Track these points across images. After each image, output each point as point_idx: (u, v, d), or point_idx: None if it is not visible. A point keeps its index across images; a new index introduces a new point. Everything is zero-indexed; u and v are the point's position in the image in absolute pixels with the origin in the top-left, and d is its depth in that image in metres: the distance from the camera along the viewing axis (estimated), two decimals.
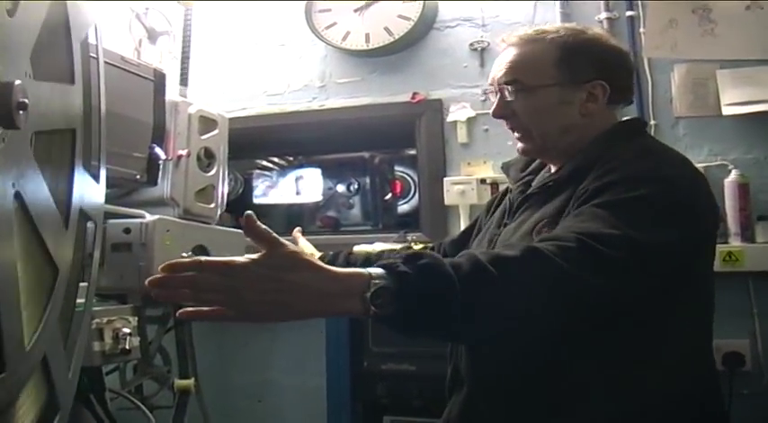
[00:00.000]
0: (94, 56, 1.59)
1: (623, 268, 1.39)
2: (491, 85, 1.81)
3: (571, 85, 1.71)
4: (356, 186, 3.93)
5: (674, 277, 1.49)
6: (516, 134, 1.79)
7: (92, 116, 1.55)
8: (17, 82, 1.04)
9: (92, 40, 1.57)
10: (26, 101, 1.05)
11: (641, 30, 2.97)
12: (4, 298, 1.12)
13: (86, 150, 1.54)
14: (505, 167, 2.01)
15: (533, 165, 1.91)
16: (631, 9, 3.00)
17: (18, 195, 1.16)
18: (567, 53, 1.71)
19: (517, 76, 1.73)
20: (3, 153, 1.09)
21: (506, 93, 1.75)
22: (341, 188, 3.96)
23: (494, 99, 1.80)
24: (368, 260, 2.27)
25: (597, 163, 1.62)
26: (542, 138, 1.75)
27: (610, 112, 1.77)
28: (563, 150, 1.75)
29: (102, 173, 1.65)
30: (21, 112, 1.05)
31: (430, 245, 2.38)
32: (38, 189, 1.27)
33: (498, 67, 1.78)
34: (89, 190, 1.59)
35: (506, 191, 2.00)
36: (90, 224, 1.61)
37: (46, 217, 1.32)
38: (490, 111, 1.81)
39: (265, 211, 4.03)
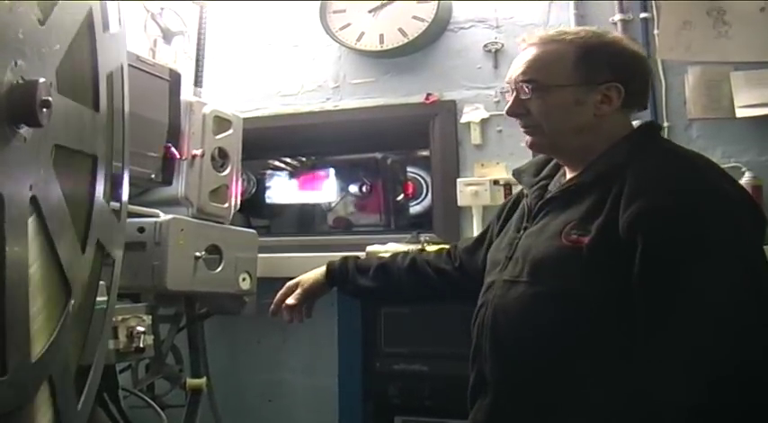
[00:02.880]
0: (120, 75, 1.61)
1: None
2: (508, 83, 1.84)
3: (586, 86, 1.73)
4: (368, 187, 3.93)
5: None
6: (527, 131, 1.82)
7: (114, 117, 1.57)
8: (41, 80, 1.05)
9: None
10: (50, 99, 1.07)
11: (655, 31, 2.94)
12: (13, 303, 1.13)
13: (108, 156, 1.55)
14: (517, 174, 2.03)
15: (546, 170, 1.93)
16: (645, 11, 2.98)
17: (34, 198, 1.17)
18: (584, 54, 1.74)
19: (534, 75, 1.76)
20: (23, 153, 1.11)
21: (522, 91, 1.77)
22: (353, 189, 3.96)
23: (509, 98, 1.83)
24: (382, 267, 2.28)
25: (627, 169, 1.64)
26: (554, 136, 1.78)
27: (624, 116, 1.79)
28: (576, 150, 1.78)
29: (126, 174, 1.67)
30: (44, 109, 1.06)
31: (445, 246, 2.38)
32: (56, 194, 1.28)
33: (516, 66, 1.80)
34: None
35: (518, 196, 2.02)
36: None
37: (64, 221, 1.33)
38: (504, 111, 1.84)
39: (277, 212, 4.04)
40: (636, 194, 1.58)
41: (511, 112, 1.82)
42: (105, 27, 1.54)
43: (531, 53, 1.79)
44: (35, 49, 1.11)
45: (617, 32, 1.89)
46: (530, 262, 1.71)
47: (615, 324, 1.57)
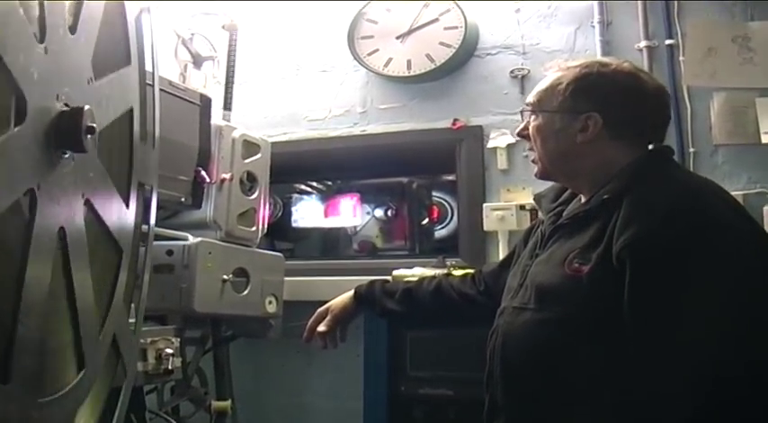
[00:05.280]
0: (150, 83, 1.64)
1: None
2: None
3: (570, 114, 1.78)
4: (394, 211, 3.95)
5: None
6: (532, 155, 1.91)
7: (147, 139, 1.60)
8: (86, 107, 1.08)
9: (148, 68, 1.62)
10: (94, 125, 1.09)
11: (681, 58, 2.96)
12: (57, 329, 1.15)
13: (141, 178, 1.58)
14: (537, 199, 2.06)
15: (564, 195, 1.95)
16: (671, 37, 2.99)
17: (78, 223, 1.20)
18: (577, 84, 1.79)
19: (535, 98, 1.85)
20: (66, 179, 1.13)
21: (526, 114, 1.87)
22: (378, 213, 3.98)
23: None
24: (408, 291, 2.29)
25: (624, 196, 1.65)
26: (543, 160, 1.85)
27: (620, 145, 1.78)
28: (570, 176, 1.86)
29: (155, 197, 1.69)
30: (89, 136, 1.09)
31: (470, 271, 2.39)
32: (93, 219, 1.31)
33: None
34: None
35: (541, 222, 2.03)
36: (142, 247, 1.65)
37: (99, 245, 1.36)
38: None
39: (302, 235, 4.05)
40: (627, 223, 1.59)
41: (518, 133, 1.94)
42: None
43: (545, 79, 1.86)
44: (81, 80, 1.14)
45: (627, 64, 1.87)
46: (536, 289, 1.74)
47: (619, 349, 1.58)
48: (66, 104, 1.07)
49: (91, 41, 1.25)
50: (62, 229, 1.16)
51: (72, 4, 1.16)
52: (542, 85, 1.85)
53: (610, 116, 1.76)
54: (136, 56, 1.57)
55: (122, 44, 1.52)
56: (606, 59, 1.87)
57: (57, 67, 1.08)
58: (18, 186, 1.02)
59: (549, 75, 1.86)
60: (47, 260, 1.13)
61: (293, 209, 3.97)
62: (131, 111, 1.53)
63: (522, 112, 1.92)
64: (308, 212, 4.01)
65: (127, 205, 1.52)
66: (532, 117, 1.85)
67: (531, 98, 1.86)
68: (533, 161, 1.90)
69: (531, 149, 1.90)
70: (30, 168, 1.05)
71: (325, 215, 3.99)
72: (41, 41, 1.05)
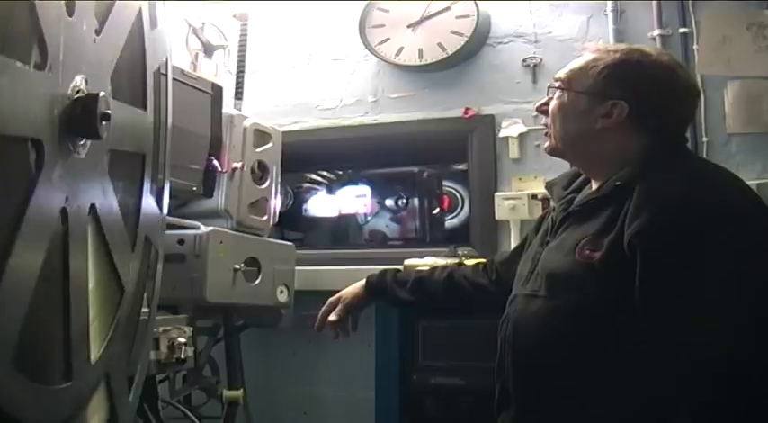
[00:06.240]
0: (164, 73, 1.63)
1: None
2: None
3: (596, 98, 1.75)
4: (404, 201, 3.95)
5: None
6: (545, 132, 1.88)
7: (159, 131, 1.59)
8: (101, 94, 1.07)
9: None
10: (109, 112, 1.09)
11: (694, 46, 2.94)
12: (77, 310, 1.15)
13: (154, 167, 1.57)
14: (549, 186, 2.05)
15: (576, 183, 1.93)
16: (685, 26, 2.97)
17: (93, 208, 1.20)
18: (613, 69, 1.76)
19: (565, 76, 1.82)
20: (83, 164, 1.13)
21: (552, 90, 1.84)
22: (389, 202, 3.97)
23: None
24: (420, 280, 2.29)
25: (637, 183, 1.63)
26: (558, 138, 1.82)
27: (642, 135, 1.75)
28: (584, 160, 1.85)
29: (167, 186, 1.69)
30: (104, 123, 1.09)
31: (482, 260, 2.39)
32: (111, 204, 1.31)
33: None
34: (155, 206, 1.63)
35: (553, 209, 2.02)
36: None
37: (116, 231, 1.35)
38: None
39: (312, 224, 4.05)
40: (638, 211, 1.57)
41: (537, 108, 1.91)
42: (153, 25, 1.57)
43: (580, 58, 1.83)
44: (94, 60, 1.13)
45: (668, 56, 1.84)
46: (547, 277, 1.73)
47: (630, 336, 1.57)
48: (83, 91, 1.07)
49: (112, 55, 1.25)
50: (93, 208, 1.17)
51: None
52: (576, 63, 1.82)
53: (637, 107, 1.73)
54: (152, 106, 1.56)
55: (140, 89, 1.51)
56: (647, 49, 1.82)
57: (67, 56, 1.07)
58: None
59: (585, 55, 1.82)
60: (84, 249, 1.14)
61: (304, 198, 3.97)
62: (144, 157, 1.53)
63: (549, 87, 1.87)
64: (318, 202, 4.00)
65: (140, 186, 1.52)
66: (557, 94, 1.82)
67: (560, 74, 1.83)
68: (546, 134, 1.87)
69: (545, 125, 1.88)
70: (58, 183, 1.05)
71: (337, 205, 3.98)
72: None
